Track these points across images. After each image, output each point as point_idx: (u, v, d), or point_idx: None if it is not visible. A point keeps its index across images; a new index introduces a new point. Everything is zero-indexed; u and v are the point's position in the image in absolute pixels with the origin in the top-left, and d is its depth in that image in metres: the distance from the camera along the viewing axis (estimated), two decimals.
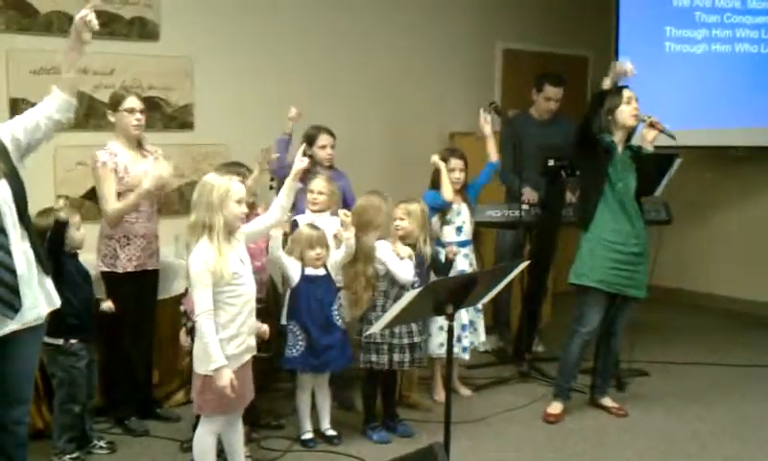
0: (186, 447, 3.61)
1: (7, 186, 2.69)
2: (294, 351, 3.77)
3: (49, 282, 2.90)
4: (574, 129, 4.18)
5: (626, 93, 4.05)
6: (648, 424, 4.17)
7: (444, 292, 3.04)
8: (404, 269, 3.85)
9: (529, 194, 4.96)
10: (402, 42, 6.20)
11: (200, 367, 3.07)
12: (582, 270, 4.11)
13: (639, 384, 4.76)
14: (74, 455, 3.59)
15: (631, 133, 4.10)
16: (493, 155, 4.58)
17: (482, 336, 4.53)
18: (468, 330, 4.40)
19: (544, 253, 5.06)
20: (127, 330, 3.95)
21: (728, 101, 6.10)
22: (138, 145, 4.00)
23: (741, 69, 6.13)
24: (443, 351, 4.28)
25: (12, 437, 2.85)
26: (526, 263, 3.67)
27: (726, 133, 6.18)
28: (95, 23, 2.72)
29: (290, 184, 3.39)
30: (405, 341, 3.86)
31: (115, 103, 3.93)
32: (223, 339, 3.01)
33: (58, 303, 2.92)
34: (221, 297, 3.00)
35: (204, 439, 3.15)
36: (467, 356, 4.44)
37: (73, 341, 3.56)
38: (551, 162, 4.69)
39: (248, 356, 3.13)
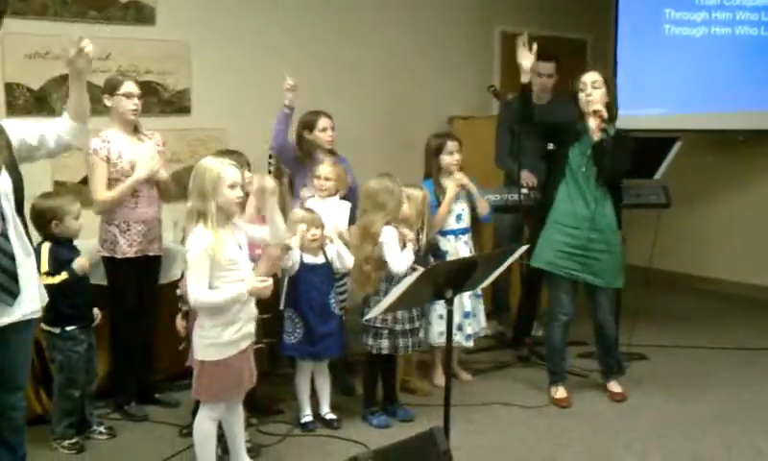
0: (186, 432, 3.61)
1: (7, 177, 2.71)
2: (292, 337, 3.79)
3: (38, 278, 2.92)
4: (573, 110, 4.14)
5: (582, 78, 4.01)
6: (647, 407, 4.17)
7: (443, 276, 3.03)
8: (400, 261, 3.79)
9: (528, 177, 4.93)
10: (400, 26, 6.15)
11: (198, 353, 3.06)
12: (536, 251, 4.13)
13: (638, 368, 4.76)
14: (73, 441, 3.59)
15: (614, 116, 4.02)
16: (483, 208, 4.45)
17: (482, 322, 4.52)
18: (471, 317, 4.38)
19: None
20: (127, 316, 3.94)
21: (727, 84, 6.06)
22: (135, 130, 3.98)
23: (741, 52, 6.08)
24: (443, 339, 4.26)
25: (8, 422, 2.85)
26: (525, 247, 3.65)
27: (726, 117, 6.15)
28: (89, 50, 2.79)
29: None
30: (407, 326, 3.88)
31: (112, 87, 3.91)
32: (218, 325, 3.01)
33: (45, 299, 2.95)
34: (217, 282, 2.98)
35: (203, 425, 3.14)
36: (470, 344, 4.44)
37: (69, 328, 3.56)
38: (550, 146, 4.66)
39: (245, 343, 3.11)
